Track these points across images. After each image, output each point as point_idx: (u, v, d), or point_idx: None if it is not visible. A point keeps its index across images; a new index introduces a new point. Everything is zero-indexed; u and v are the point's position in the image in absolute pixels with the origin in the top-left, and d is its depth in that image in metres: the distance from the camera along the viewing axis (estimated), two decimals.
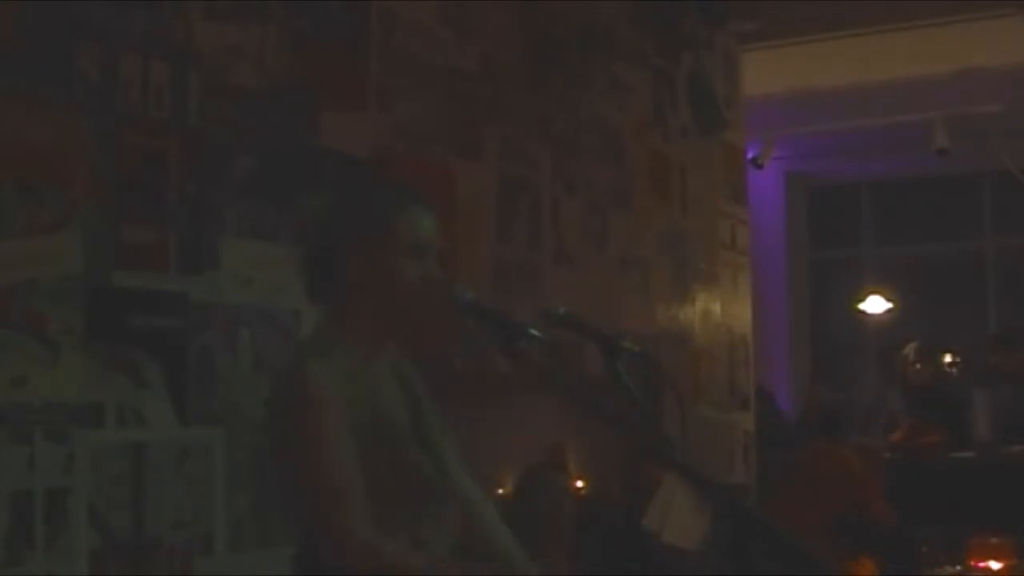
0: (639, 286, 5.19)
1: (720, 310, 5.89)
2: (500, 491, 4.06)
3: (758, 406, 6.31)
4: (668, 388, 2.61)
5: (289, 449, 2.17)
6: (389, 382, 2.31)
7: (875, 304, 9.52)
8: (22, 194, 2.67)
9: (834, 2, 6.46)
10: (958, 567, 5.19)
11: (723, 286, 5.95)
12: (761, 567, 2.08)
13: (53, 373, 2.68)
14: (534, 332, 2.26)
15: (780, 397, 8.26)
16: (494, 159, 4.28)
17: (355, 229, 2.28)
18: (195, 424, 3.01)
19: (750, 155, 7.28)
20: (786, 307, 9.62)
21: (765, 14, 6.18)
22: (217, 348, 3.08)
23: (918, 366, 7.44)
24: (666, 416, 2.79)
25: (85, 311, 2.76)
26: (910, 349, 7.54)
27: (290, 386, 2.19)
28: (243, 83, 3.22)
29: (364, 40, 3.68)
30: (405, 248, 2.26)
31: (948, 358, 7.69)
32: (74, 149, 2.78)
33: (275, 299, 3.20)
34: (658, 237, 5.35)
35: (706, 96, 5.86)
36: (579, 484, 4.40)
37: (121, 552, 2.80)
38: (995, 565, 5.09)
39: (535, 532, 3.87)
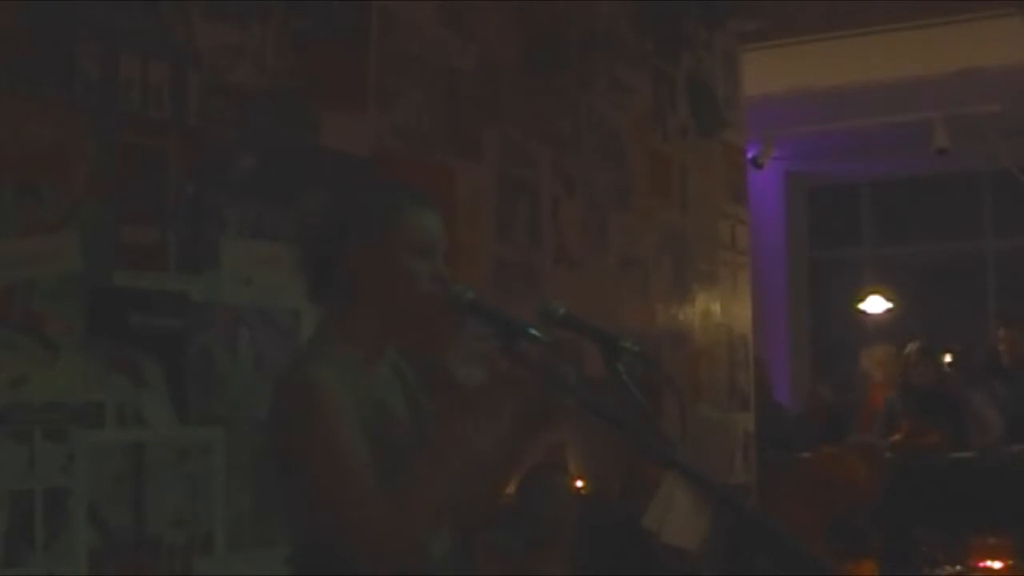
0: (639, 286, 5.19)
1: (720, 310, 5.89)
2: None
3: (759, 405, 6.31)
4: (668, 388, 2.61)
5: (300, 453, 2.15)
6: (392, 383, 2.31)
7: (875, 304, 9.53)
8: (22, 194, 2.67)
9: (834, 2, 6.46)
10: (958, 567, 5.19)
11: (723, 286, 5.95)
12: (761, 567, 2.08)
13: (53, 373, 2.68)
14: (534, 332, 2.26)
15: (780, 397, 8.27)
16: (494, 159, 4.28)
17: (363, 228, 2.26)
18: (195, 424, 3.01)
19: (750, 155, 7.28)
20: (786, 307, 9.64)
21: (765, 14, 6.18)
22: (217, 348, 3.08)
23: (918, 366, 7.45)
24: (666, 416, 2.79)
25: (85, 311, 2.76)
26: (910, 349, 7.54)
27: (295, 391, 2.16)
28: (243, 83, 3.22)
29: (364, 40, 3.68)
30: (414, 247, 2.25)
31: (948, 358, 7.69)
32: (74, 149, 2.78)
33: (275, 299, 3.20)
34: (658, 237, 5.35)
35: (706, 96, 5.86)
36: (579, 484, 4.40)
37: (121, 552, 2.80)
38: (995, 565, 5.09)
39: (535, 532, 3.87)
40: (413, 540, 2.11)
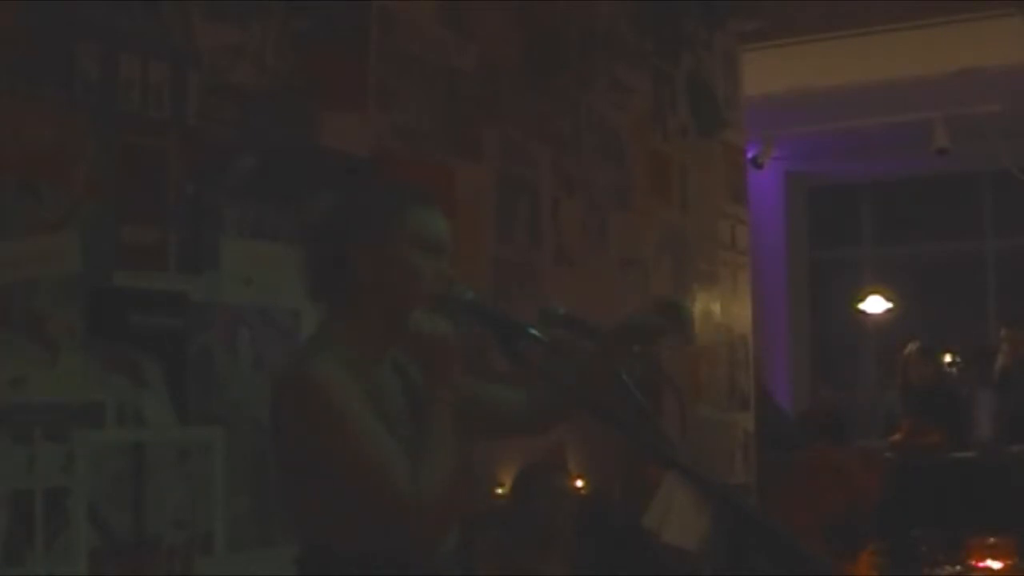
0: (639, 286, 5.19)
1: (720, 310, 5.89)
2: (500, 491, 4.06)
3: (759, 406, 6.31)
4: (668, 388, 2.61)
5: (321, 452, 2.13)
6: (393, 381, 2.30)
7: (875, 304, 9.52)
8: (22, 194, 2.67)
9: (834, 2, 6.46)
10: (958, 567, 5.19)
11: (723, 286, 5.95)
12: (760, 567, 2.08)
13: (53, 373, 2.68)
14: (534, 332, 2.26)
15: (780, 397, 8.27)
16: (494, 159, 4.28)
17: (369, 227, 2.26)
18: (195, 424, 3.01)
19: (750, 155, 7.28)
20: (786, 307, 9.63)
21: (765, 14, 6.18)
22: (217, 348, 3.08)
23: (918, 366, 7.45)
24: (666, 416, 2.79)
25: (85, 311, 2.76)
26: (910, 349, 7.54)
27: (302, 391, 2.13)
28: (243, 83, 3.22)
29: (364, 40, 3.68)
30: (421, 246, 2.25)
31: (948, 358, 7.69)
32: (74, 149, 2.78)
33: (275, 299, 3.20)
34: (658, 237, 5.36)
35: (706, 96, 5.86)
36: (579, 484, 4.40)
37: (121, 552, 2.80)
38: (995, 565, 5.09)
39: (535, 532, 3.87)
40: (457, 507, 2.15)
